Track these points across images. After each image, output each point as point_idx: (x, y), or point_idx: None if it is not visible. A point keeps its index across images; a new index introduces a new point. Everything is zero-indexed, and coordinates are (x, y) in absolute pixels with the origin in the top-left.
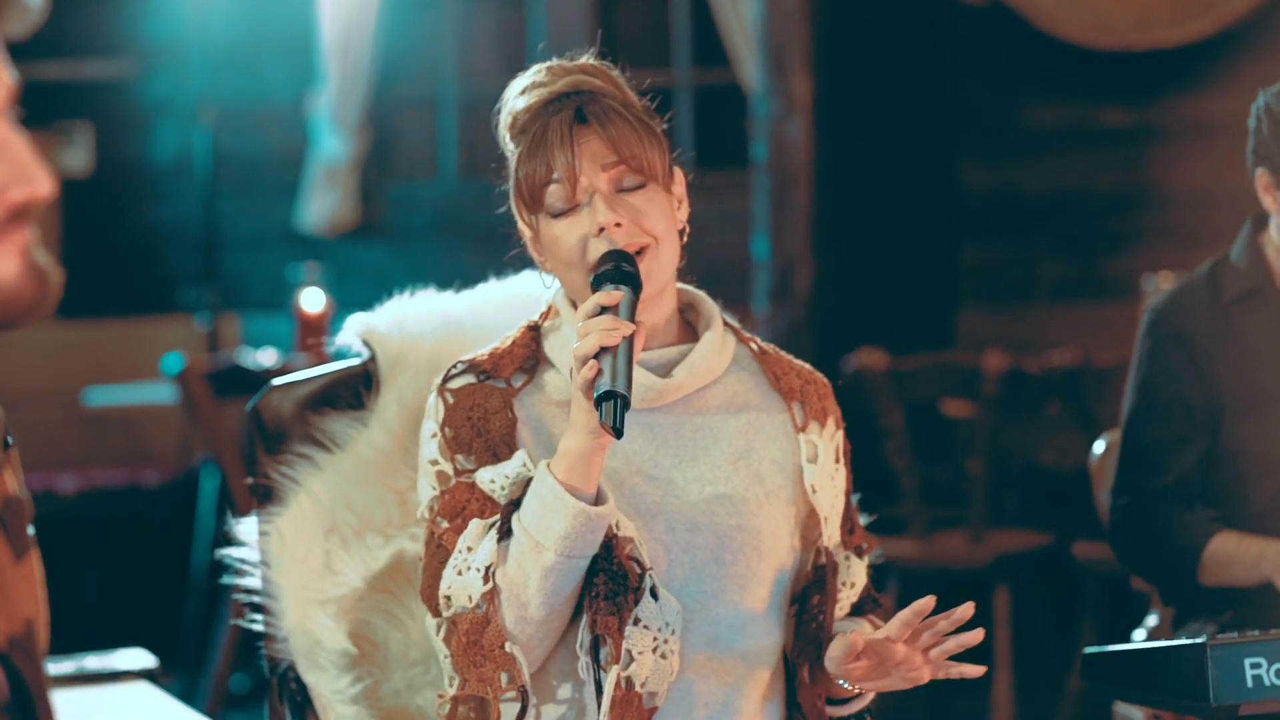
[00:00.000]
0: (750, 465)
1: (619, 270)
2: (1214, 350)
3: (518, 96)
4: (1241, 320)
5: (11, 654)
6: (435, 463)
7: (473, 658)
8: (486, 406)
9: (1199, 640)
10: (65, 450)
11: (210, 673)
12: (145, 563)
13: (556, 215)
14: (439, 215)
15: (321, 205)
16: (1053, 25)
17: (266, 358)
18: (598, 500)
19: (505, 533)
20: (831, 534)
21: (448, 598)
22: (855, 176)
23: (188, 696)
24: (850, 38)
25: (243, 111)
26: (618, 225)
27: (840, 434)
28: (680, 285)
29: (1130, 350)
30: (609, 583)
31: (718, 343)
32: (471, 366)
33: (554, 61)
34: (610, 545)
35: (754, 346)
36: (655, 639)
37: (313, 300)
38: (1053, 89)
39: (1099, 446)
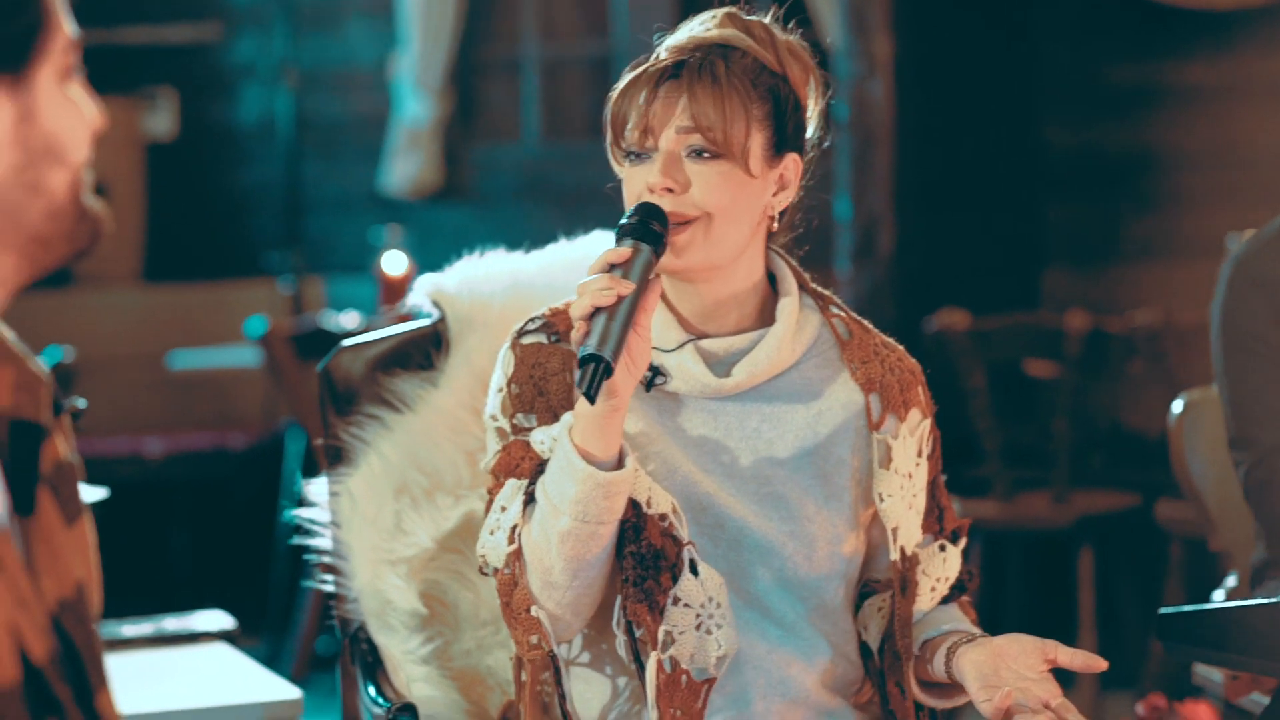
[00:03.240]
0: (815, 464)
1: (643, 225)
2: None
3: (677, 33)
4: None
5: (62, 617)
6: (495, 419)
7: (507, 619)
8: (548, 367)
9: (1276, 599)
10: (151, 414)
11: (295, 635)
12: (231, 526)
13: (630, 158)
14: (522, 177)
15: (405, 168)
16: None
17: (349, 320)
18: (619, 465)
19: (533, 495)
20: (907, 541)
21: (484, 557)
22: (937, 136)
23: (274, 658)
24: None
25: (326, 74)
26: (668, 190)
27: (927, 423)
28: (771, 254)
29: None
30: (637, 567)
31: (788, 334)
32: (545, 325)
33: (732, 8)
34: (640, 525)
35: (839, 327)
36: (699, 616)
37: (395, 263)
38: (1136, 47)
39: (1177, 406)
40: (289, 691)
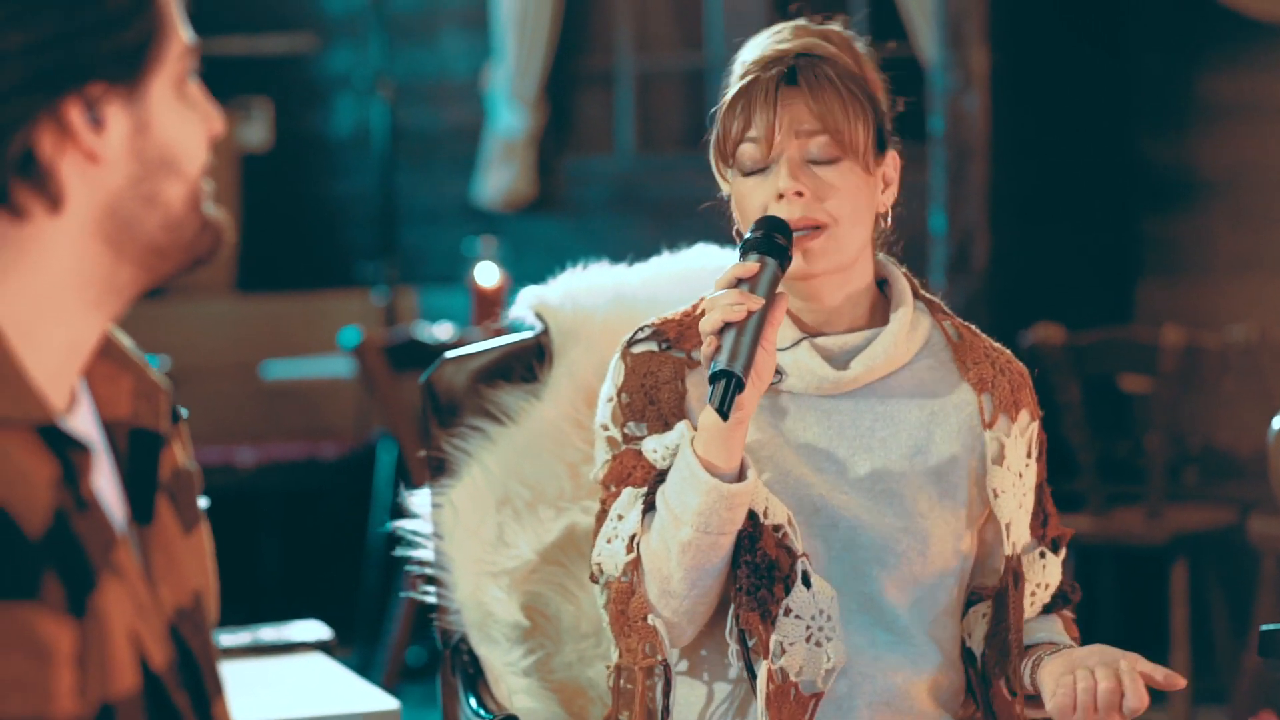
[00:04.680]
0: (928, 461)
1: (768, 240)
2: None
3: (751, 48)
4: None
5: (180, 625)
6: (605, 428)
7: (621, 627)
8: (659, 375)
9: None
10: (243, 423)
11: (387, 645)
12: (323, 536)
13: (747, 174)
14: (616, 190)
15: (498, 180)
16: None
17: (443, 331)
18: (741, 476)
19: (652, 504)
20: (1018, 539)
21: (599, 565)
22: (1033, 150)
23: (364, 668)
24: (1028, 10)
25: (420, 86)
26: (798, 194)
27: (1035, 425)
28: (881, 257)
29: None
30: (750, 576)
31: (903, 331)
32: (656, 333)
33: (801, 21)
34: (755, 536)
35: (949, 330)
36: (809, 628)
37: (488, 275)
38: (1232, 61)
39: (1276, 423)
40: (387, 702)
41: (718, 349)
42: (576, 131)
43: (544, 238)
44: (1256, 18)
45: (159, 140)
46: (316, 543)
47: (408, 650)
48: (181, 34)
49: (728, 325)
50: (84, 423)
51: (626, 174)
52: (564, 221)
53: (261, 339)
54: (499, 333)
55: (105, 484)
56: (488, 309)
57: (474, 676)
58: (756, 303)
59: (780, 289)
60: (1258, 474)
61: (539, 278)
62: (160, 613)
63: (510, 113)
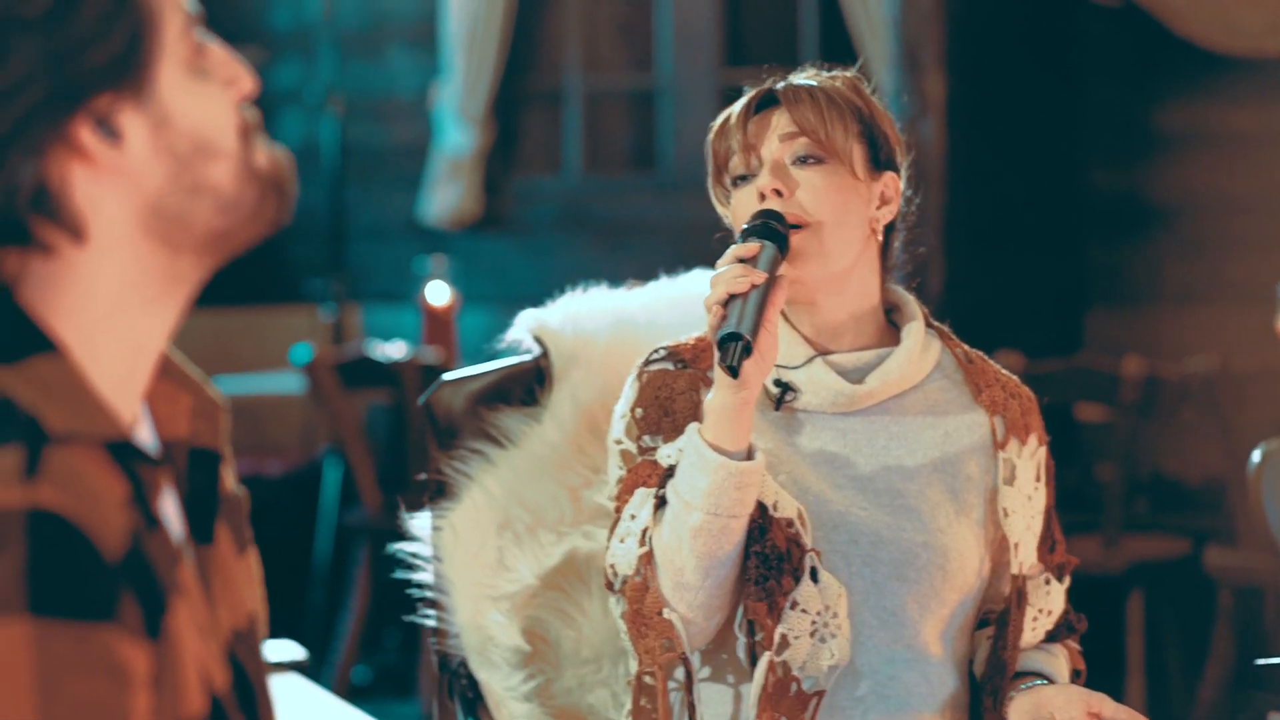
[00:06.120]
0: (945, 479)
1: (766, 227)
2: None
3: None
4: None
5: (236, 647)
6: (619, 442)
7: (637, 627)
8: (674, 387)
9: None
10: None
11: (333, 663)
12: (268, 552)
13: (736, 185)
14: (562, 209)
15: (445, 198)
16: (1185, 28)
17: (395, 350)
18: (749, 458)
19: (664, 500)
20: (1025, 559)
21: (613, 566)
22: (986, 177)
23: None
24: (983, 37)
25: (368, 102)
26: (776, 193)
27: (1043, 450)
28: (890, 286)
29: (1265, 356)
30: (759, 566)
31: (917, 348)
32: (672, 354)
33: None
34: (765, 526)
35: (960, 354)
36: (814, 623)
37: (438, 293)
38: (1184, 91)
39: (1256, 455)
40: None
41: (723, 318)
42: (523, 150)
43: (490, 256)
44: (1209, 48)
45: (184, 128)
46: (262, 559)
47: (353, 669)
48: (178, 9)
49: (732, 297)
50: (146, 440)
51: (573, 193)
52: (510, 240)
53: (208, 354)
54: (452, 352)
55: (168, 502)
56: (438, 327)
57: (473, 701)
58: (759, 276)
59: (782, 273)
60: (1208, 504)
61: (485, 296)
62: (219, 635)
63: (457, 131)
